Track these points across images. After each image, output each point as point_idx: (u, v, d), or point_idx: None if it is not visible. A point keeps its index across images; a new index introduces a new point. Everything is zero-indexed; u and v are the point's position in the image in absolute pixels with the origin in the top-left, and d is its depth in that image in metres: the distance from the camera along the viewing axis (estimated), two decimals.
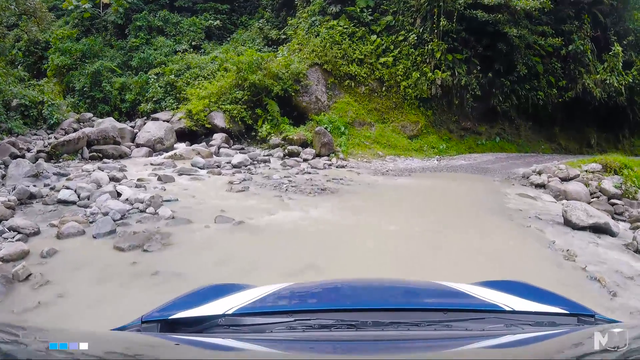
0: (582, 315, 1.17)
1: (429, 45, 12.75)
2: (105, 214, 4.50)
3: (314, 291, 1.55)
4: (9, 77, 13.75)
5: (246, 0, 19.14)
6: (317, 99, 12.30)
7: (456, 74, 12.76)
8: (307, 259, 3.52)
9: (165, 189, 6.11)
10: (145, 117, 13.68)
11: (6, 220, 4.36)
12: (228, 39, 17.53)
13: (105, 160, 9.00)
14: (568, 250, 4.12)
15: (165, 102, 14.12)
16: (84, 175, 6.84)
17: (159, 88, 14.46)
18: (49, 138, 11.41)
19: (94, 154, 9.36)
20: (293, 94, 11.95)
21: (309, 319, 1.05)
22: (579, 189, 6.52)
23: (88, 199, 5.35)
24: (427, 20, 13.01)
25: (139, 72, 15.75)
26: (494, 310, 1.15)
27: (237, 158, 8.96)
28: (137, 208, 4.83)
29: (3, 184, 6.41)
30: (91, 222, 4.39)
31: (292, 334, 1.01)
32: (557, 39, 12.98)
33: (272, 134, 11.27)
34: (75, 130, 11.34)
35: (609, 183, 6.67)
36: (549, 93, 13.91)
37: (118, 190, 5.62)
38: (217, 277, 2.68)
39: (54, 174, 7.26)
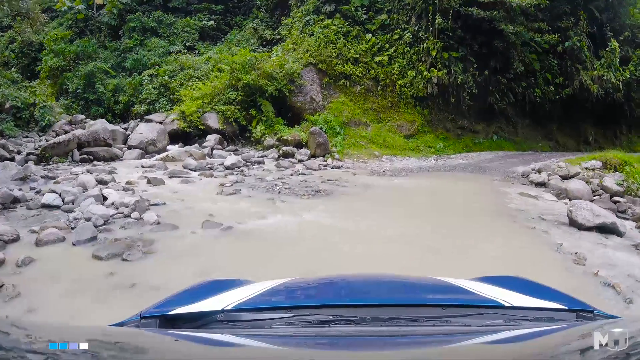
0: (581, 311, 1.16)
1: (425, 44, 12.60)
2: (88, 219, 4.31)
3: (313, 287, 1.55)
4: (1, 79, 13.57)
5: (240, 0, 18.98)
6: (312, 99, 12.13)
7: (452, 72, 12.61)
8: (297, 267, 3.33)
9: (153, 192, 5.91)
10: (138, 119, 13.49)
11: None
12: (222, 39, 17.36)
13: (95, 162, 8.80)
14: (577, 253, 3.92)
15: (159, 103, 13.94)
16: (71, 179, 6.64)
17: (152, 89, 14.28)
18: (40, 140, 11.22)
19: (85, 156, 9.16)
20: (287, 94, 11.78)
21: (308, 315, 1.05)
22: (580, 187, 6.37)
23: (73, 203, 5.15)
24: (422, 18, 12.87)
25: (133, 73, 15.58)
26: (493, 306, 1.15)
27: (230, 159, 8.78)
28: (122, 213, 4.63)
29: None
30: (73, 228, 4.20)
31: (290, 330, 1.01)
32: (553, 35, 12.85)
33: (267, 135, 11.09)
34: (66, 132, 11.13)
35: (611, 180, 6.52)
36: (545, 90, 13.80)
37: (104, 194, 5.43)
38: None
39: (42, 177, 7.06)
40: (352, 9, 13.22)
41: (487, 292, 1.29)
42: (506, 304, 1.15)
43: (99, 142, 9.66)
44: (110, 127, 11.29)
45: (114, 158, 9.52)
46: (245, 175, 7.72)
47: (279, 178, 7.51)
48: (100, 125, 10.82)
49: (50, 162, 8.87)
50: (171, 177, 7.24)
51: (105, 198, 5.32)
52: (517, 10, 12.47)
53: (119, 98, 14.96)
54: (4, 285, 2.99)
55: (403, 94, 12.84)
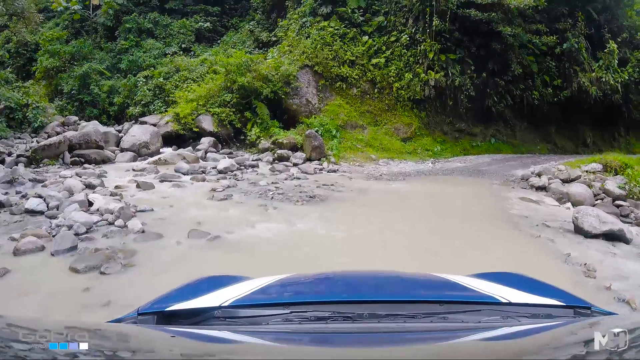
0: (578, 307, 1.16)
1: (422, 46, 12.47)
2: (70, 227, 4.13)
3: (310, 283, 1.54)
4: None
5: (237, 2, 18.86)
6: (307, 102, 11.97)
7: (450, 74, 12.48)
8: None
9: (142, 198, 5.73)
10: (133, 121, 13.31)
11: None
12: (218, 41, 17.23)
13: (86, 165, 8.62)
14: (586, 264, 3.74)
15: (154, 105, 13.78)
16: (59, 182, 6.45)
17: (147, 91, 14.12)
18: (32, 142, 11.03)
19: (76, 159, 8.98)
20: (283, 96, 11.62)
21: (305, 311, 1.05)
22: (582, 191, 6.22)
23: (57, 209, 4.97)
24: (419, 20, 12.75)
25: (128, 74, 15.42)
26: (490, 302, 1.14)
27: (224, 163, 8.60)
28: (106, 220, 4.44)
29: None
30: (54, 236, 4.01)
31: (288, 326, 1.01)
32: (551, 37, 12.76)
33: (262, 138, 10.92)
34: (58, 134, 10.93)
35: (613, 184, 6.37)
36: (544, 92, 13.69)
37: (90, 199, 5.23)
38: None
39: (30, 180, 6.86)
40: (349, 10, 13.09)
41: (484, 288, 1.28)
42: (503, 301, 1.14)
43: (90, 144, 9.47)
44: (103, 129, 11.11)
45: (105, 161, 9.34)
46: (238, 180, 7.54)
47: (272, 183, 7.33)
48: (92, 127, 10.63)
49: (41, 165, 8.69)
50: (162, 181, 7.05)
51: (90, 203, 5.13)
52: (515, 12, 12.37)
53: (113, 99, 14.80)
54: None
55: (400, 97, 12.70)
